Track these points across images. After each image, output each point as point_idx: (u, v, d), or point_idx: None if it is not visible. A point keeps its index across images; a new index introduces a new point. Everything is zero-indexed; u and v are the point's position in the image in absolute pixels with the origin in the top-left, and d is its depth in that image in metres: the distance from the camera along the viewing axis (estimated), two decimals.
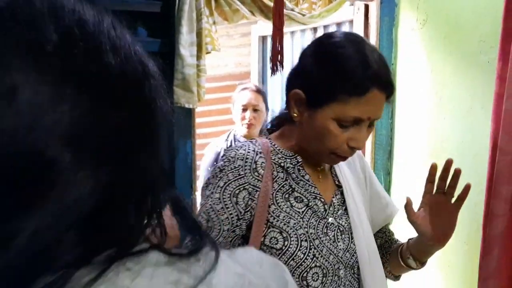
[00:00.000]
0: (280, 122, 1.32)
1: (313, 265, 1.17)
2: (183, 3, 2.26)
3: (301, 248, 1.16)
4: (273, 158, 1.22)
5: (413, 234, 1.36)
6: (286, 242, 1.15)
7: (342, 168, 1.33)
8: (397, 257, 1.36)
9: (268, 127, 1.36)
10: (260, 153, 1.20)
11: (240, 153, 1.18)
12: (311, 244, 1.17)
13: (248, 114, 2.84)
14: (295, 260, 1.16)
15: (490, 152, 1.02)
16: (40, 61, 0.43)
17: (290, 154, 1.24)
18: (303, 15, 2.49)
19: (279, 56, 2.46)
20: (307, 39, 3.29)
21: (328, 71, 1.13)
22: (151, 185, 0.50)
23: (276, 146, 1.25)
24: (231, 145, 2.89)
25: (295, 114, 1.19)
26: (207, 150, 3.00)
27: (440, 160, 2.31)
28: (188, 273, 0.46)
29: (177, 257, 0.47)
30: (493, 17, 1.92)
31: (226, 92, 4.18)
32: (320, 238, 1.20)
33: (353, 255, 1.25)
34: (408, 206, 1.27)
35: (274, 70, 2.50)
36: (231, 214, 1.15)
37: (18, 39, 0.43)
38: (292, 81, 1.21)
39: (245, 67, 4.21)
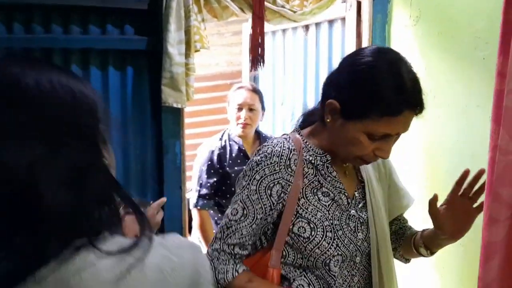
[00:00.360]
0: (312, 119, 1.41)
1: (336, 253, 1.30)
2: (171, 0, 2.20)
3: (326, 238, 1.29)
4: (304, 155, 1.34)
5: (423, 223, 1.43)
6: (313, 232, 1.29)
7: (365, 165, 1.42)
8: (410, 244, 1.48)
9: (300, 122, 1.45)
10: (294, 150, 1.32)
11: (277, 150, 1.31)
12: (335, 235, 1.31)
13: (243, 113, 2.77)
14: (320, 249, 1.29)
15: (490, 153, 0.96)
16: (52, 138, 0.67)
17: (321, 152, 1.35)
18: (294, 12, 2.44)
19: (259, 50, 2.38)
20: (299, 37, 3.24)
21: (363, 92, 1.21)
22: (108, 192, 0.73)
23: (307, 143, 1.36)
24: (225, 145, 2.83)
25: (328, 120, 1.28)
26: (201, 150, 2.93)
27: (435, 159, 2.28)
28: (131, 255, 0.69)
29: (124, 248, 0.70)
30: (488, 12, 1.87)
31: (218, 91, 4.12)
32: (343, 229, 1.33)
33: (370, 244, 1.38)
34: (432, 201, 1.36)
35: (254, 65, 2.42)
36: (264, 204, 1.30)
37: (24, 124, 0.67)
38: (329, 90, 1.30)
39: (237, 66, 4.15)
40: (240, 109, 2.77)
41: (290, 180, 1.30)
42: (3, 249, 0.64)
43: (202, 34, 2.33)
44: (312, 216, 1.31)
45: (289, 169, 1.31)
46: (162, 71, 2.24)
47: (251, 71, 2.48)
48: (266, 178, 1.30)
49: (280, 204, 1.31)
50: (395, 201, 1.52)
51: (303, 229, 1.30)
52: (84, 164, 0.70)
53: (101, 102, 0.76)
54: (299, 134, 1.40)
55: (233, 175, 2.76)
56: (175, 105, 2.28)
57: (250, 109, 2.77)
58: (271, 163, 1.30)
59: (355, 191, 1.41)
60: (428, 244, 1.44)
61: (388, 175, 1.51)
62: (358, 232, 1.37)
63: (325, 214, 1.32)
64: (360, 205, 1.41)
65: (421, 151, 2.34)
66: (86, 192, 0.69)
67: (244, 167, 2.74)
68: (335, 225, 1.33)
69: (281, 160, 1.30)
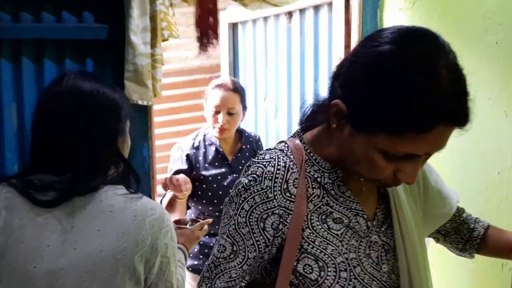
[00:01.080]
0: (320, 117, 1.11)
1: None
2: None
3: (339, 280, 1.04)
4: (308, 171, 1.07)
5: None
6: (322, 273, 1.03)
7: None
8: (507, 249, 1.24)
9: (303, 120, 1.18)
10: (293, 166, 1.06)
11: (268, 171, 1.05)
12: (352, 273, 1.04)
13: (221, 117, 2.46)
14: None
15: None
16: (90, 125, 1.29)
17: (329, 167, 1.08)
18: None
19: (210, 19, 2.09)
20: (282, 25, 3.04)
21: (377, 97, 0.90)
22: (116, 160, 1.35)
23: (312, 154, 1.09)
24: (198, 146, 2.55)
25: (334, 126, 1.01)
26: (173, 151, 2.66)
27: (439, 161, 2.05)
28: (132, 196, 1.28)
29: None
30: None
31: (196, 86, 3.92)
32: (362, 263, 1.06)
33: (399, 276, 1.11)
34: None
35: (202, 43, 2.14)
36: (257, 240, 1.05)
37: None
38: (336, 85, 1.01)
39: (216, 59, 3.90)
40: (217, 112, 2.48)
41: (290, 207, 1.04)
42: (61, 177, 1.24)
43: (171, 21, 2.07)
44: (321, 252, 1.04)
45: (287, 194, 1.04)
46: (124, 63, 1.98)
47: (199, 52, 2.19)
48: (257, 208, 1.04)
49: (279, 237, 1.05)
50: (434, 210, 1.22)
51: (310, 268, 1.04)
52: (105, 143, 1.28)
53: (127, 107, 1.39)
54: (300, 140, 1.11)
55: (210, 178, 2.50)
56: (140, 102, 2.03)
57: (229, 113, 2.48)
58: (262, 188, 1.04)
59: (376, 209, 1.12)
60: None
61: (422, 179, 1.20)
62: (383, 264, 1.08)
63: (338, 247, 1.05)
64: (384, 227, 1.11)
65: None
66: (103, 157, 1.28)
67: (223, 170, 2.54)
68: (352, 260, 1.05)
69: (275, 184, 1.04)
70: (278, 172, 1.05)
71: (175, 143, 2.73)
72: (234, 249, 1.06)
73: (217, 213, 2.42)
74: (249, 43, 3.31)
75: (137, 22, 1.98)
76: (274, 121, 3.14)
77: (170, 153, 2.68)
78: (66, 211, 1.23)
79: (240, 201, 1.06)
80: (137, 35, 1.98)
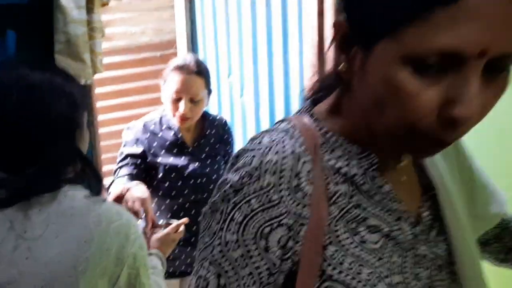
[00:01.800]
0: (331, 85, 0.83)
1: None
2: None
3: None
4: (326, 159, 0.77)
5: None
6: None
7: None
8: None
9: (314, 91, 0.87)
10: (305, 152, 0.75)
11: (270, 160, 0.73)
12: None
13: (182, 105, 2.11)
14: None
15: None
16: (42, 116, 1.18)
17: (357, 151, 0.78)
18: None
19: None
20: (245, 2, 2.78)
21: None
22: (74, 156, 1.22)
23: (329, 134, 0.78)
24: (153, 130, 2.21)
25: (342, 69, 0.74)
26: (124, 134, 2.31)
27: None
28: (94, 198, 1.17)
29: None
30: None
31: (146, 66, 3.65)
32: None
33: None
34: None
35: None
36: (257, 267, 0.73)
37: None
38: (339, 13, 0.76)
39: (168, 34, 3.58)
40: (178, 99, 2.12)
41: (304, 215, 0.73)
42: (15, 175, 1.14)
43: None
44: (353, 278, 0.74)
45: (300, 193, 0.73)
46: (54, 33, 1.61)
47: None
48: (255, 218, 0.73)
49: (289, 260, 0.73)
50: (480, 207, 0.95)
51: None
52: (63, 137, 1.18)
53: (84, 97, 1.31)
54: (311, 116, 0.81)
55: (167, 168, 2.18)
56: None
57: (192, 100, 2.13)
58: (261, 188, 0.73)
59: (420, 208, 0.82)
60: None
61: (467, 163, 0.93)
62: (436, 286, 0.81)
63: (377, 268, 0.75)
64: (433, 233, 0.82)
65: None
66: (62, 152, 1.17)
67: (183, 158, 2.15)
68: (397, 285, 0.76)
69: (281, 180, 0.72)
70: (284, 161, 0.73)
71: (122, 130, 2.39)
72: (222, 282, 0.73)
73: (174, 207, 2.16)
74: (209, 14, 3.06)
75: None
76: (240, 100, 2.88)
77: (122, 136, 2.34)
78: (20, 213, 1.11)
79: (228, 210, 0.73)
80: None
